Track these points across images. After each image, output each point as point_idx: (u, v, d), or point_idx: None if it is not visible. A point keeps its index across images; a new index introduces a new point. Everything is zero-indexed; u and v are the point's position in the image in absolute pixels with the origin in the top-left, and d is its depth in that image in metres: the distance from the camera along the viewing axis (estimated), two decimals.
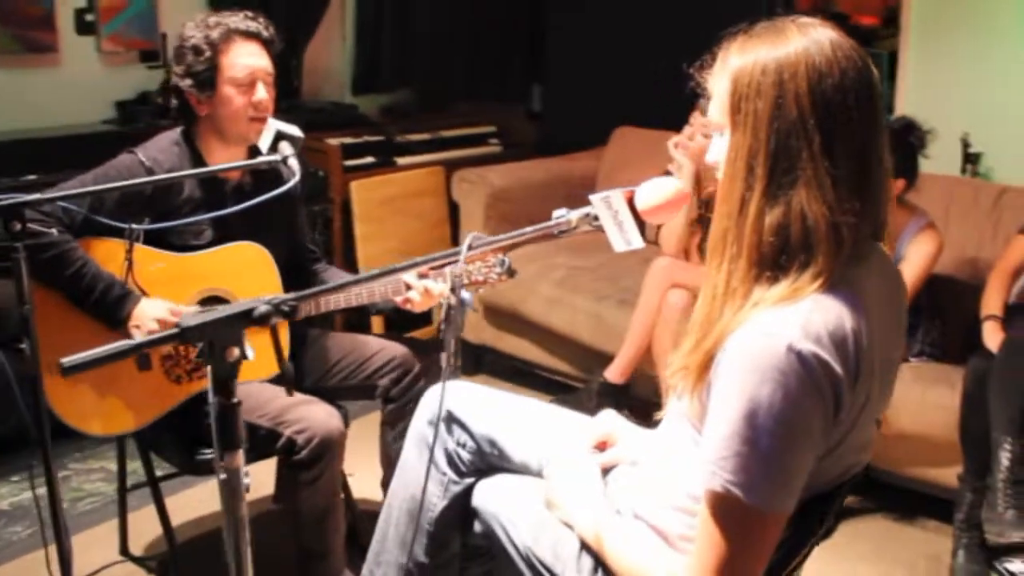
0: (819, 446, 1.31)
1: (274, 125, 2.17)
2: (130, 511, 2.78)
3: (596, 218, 1.67)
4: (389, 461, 2.58)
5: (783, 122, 1.30)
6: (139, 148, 2.36)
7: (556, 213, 1.70)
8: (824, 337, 1.26)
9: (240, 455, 1.34)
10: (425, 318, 4.26)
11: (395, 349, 2.57)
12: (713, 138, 1.46)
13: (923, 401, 2.90)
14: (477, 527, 1.78)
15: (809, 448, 1.29)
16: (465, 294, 2.25)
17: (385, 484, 2.61)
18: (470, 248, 1.54)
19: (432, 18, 4.92)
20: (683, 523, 1.47)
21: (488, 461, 1.82)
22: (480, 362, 4.13)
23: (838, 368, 1.27)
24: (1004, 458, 2.55)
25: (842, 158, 1.31)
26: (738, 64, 1.35)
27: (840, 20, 4.78)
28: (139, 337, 2.19)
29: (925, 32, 4.01)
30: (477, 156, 4.62)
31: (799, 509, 1.34)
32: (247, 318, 1.29)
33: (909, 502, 3.10)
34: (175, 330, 1.26)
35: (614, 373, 3.40)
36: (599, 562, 1.55)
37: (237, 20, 2.36)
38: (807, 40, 1.33)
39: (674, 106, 4.54)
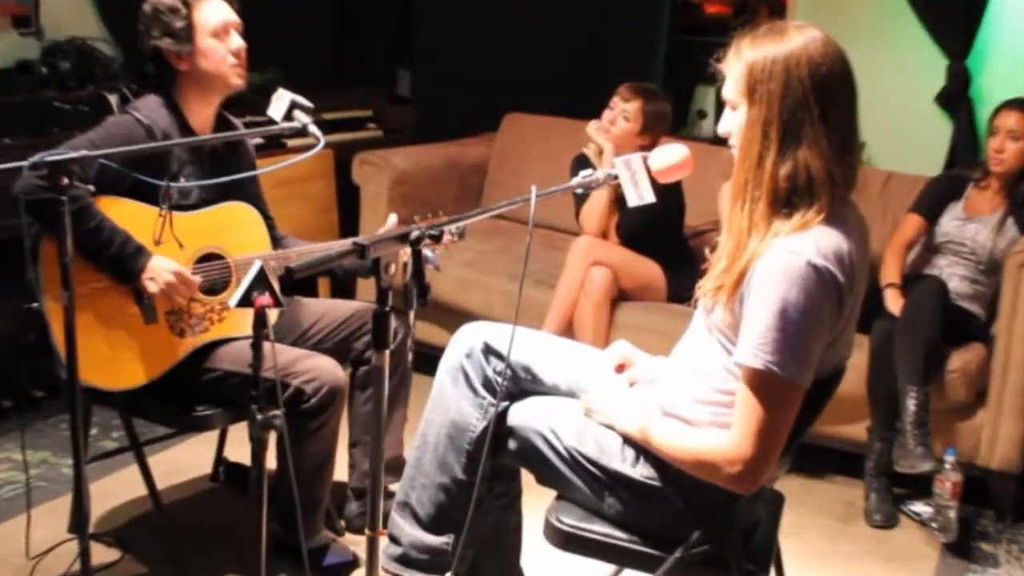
0: (827, 336, 2.08)
1: (287, 96, 2.78)
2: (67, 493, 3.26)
3: (615, 177, 2.40)
4: (359, 422, 3.20)
5: (791, 100, 2.06)
6: (131, 108, 2.89)
7: (583, 172, 2.42)
8: (830, 255, 2.03)
9: (387, 354, 1.98)
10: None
11: (369, 312, 3.18)
12: (725, 112, 2.22)
13: None
14: (511, 445, 2.42)
15: (822, 335, 2.05)
16: (429, 252, 2.91)
17: (353, 444, 3.21)
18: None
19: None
20: (710, 412, 2.19)
21: (521, 386, 2.49)
22: None
23: (841, 277, 2.04)
24: (911, 404, 3.45)
25: (833, 126, 2.08)
26: (751, 56, 2.10)
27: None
28: (153, 289, 2.74)
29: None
30: (362, 140, 5.27)
31: (810, 390, 2.09)
32: (404, 239, 1.94)
33: (815, 461, 3.94)
34: (354, 247, 1.89)
35: None
36: (640, 451, 2.26)
37: None
38: (805, 38, 2.09)
39: (559, 93, 5.37)
